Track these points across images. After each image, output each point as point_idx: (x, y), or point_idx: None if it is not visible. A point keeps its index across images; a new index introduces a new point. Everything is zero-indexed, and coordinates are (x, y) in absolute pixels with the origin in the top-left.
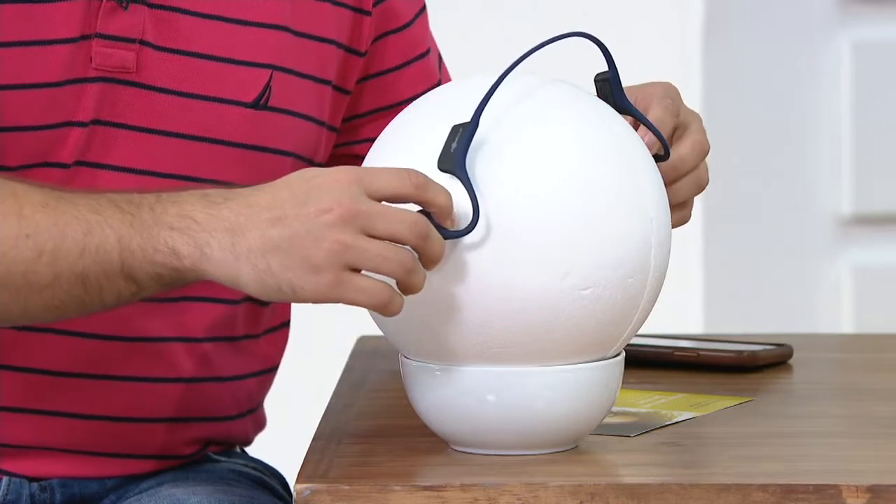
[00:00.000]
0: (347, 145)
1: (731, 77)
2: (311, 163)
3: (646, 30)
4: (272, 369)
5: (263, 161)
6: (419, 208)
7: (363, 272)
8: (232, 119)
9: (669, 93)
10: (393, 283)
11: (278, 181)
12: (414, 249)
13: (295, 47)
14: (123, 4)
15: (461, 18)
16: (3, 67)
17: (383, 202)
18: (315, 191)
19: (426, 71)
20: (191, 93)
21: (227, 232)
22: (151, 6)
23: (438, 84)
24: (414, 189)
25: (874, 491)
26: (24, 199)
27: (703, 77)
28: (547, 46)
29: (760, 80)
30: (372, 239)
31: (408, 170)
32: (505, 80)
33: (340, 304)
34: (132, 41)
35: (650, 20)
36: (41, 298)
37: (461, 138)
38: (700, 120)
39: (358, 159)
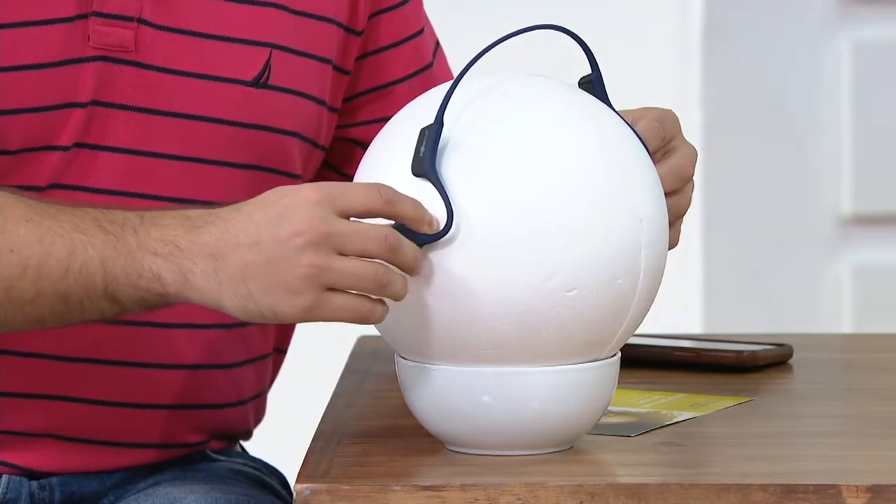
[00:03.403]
0: (345, 128)
1: (731, 77)
2: (314, 144)
3: (646, 30)
4: (268, 355)
5: (265, 140)
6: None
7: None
8: (232, 98)
9: (664, 117)
10: None
11: (254, 200)
12: (387, 262)
13: (293, 26)
14: None
15: (463, 18)
16: (1, 49)
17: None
18: (287, 212)
19: (418, 51)
20: (190, 72)
21: (208, 258)
22: None
23: (430, 66)
24: (383, 205)
25: (874, 491)
26: (8, 212)
27: (703, 77)
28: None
29: (760, 80)
30: (345, 258)
31: (377, 185)
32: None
33: None
34: (130, 20)
35: (650, 21)
36: (22, 313)
37: (428, 140)
38: (693, 151)
39: (354, 144)
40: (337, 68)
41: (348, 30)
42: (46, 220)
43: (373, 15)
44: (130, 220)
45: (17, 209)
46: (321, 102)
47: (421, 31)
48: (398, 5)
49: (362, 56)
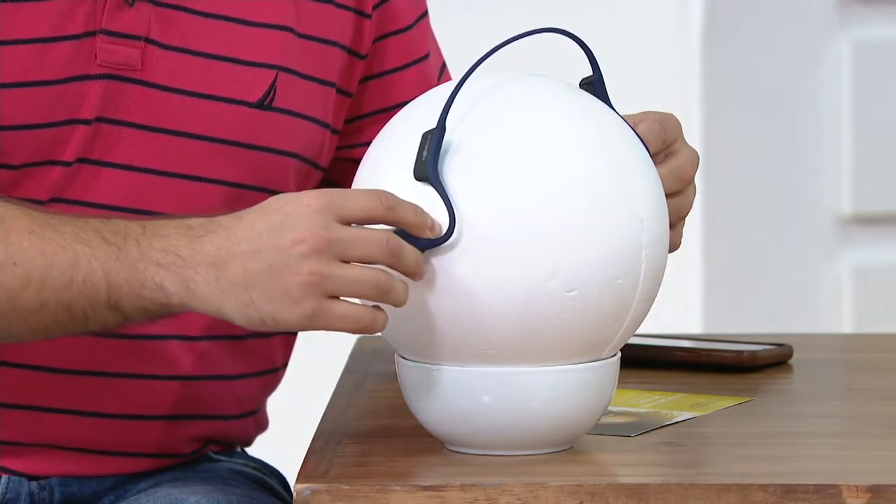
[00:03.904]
0: (347, 148)
1: (731, 77)
2: (314, 165)
3: (646, 30)
4: (277, 370)
5: (268, 162)
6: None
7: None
8: (236, 119)
9: (665, 120)
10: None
11: (256, 208)
12: (388, 266)
13: (299, 48)
14: (129, 1)
15: (463, 19)
16: (6, 65)
17: (354, 225)
18: (289, 219)
19: (424, 75)
20: (195, 92)
21: (210, 266)
22: (157, 4)
23: None
24: (384, 211)
25: (874, 491)
26: (11, 224)
27: (703, 77)
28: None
29: (760, 80)
30: (347, 265)
31: (378, 191)
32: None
33: None
34: (137, 38)
35: (650, 21)
36: (27, 324)
37: (430, 145)
38: (694, 153)
39: (356, 163)
40: (340, 91)
41: (352, 53)
42: (49, 232)
43: (378, 39)
44: (133, 230)
45: (20, 221)
46: (324, 125)
47: (427, 55)
48: (404, 30)
49: (367, 78)
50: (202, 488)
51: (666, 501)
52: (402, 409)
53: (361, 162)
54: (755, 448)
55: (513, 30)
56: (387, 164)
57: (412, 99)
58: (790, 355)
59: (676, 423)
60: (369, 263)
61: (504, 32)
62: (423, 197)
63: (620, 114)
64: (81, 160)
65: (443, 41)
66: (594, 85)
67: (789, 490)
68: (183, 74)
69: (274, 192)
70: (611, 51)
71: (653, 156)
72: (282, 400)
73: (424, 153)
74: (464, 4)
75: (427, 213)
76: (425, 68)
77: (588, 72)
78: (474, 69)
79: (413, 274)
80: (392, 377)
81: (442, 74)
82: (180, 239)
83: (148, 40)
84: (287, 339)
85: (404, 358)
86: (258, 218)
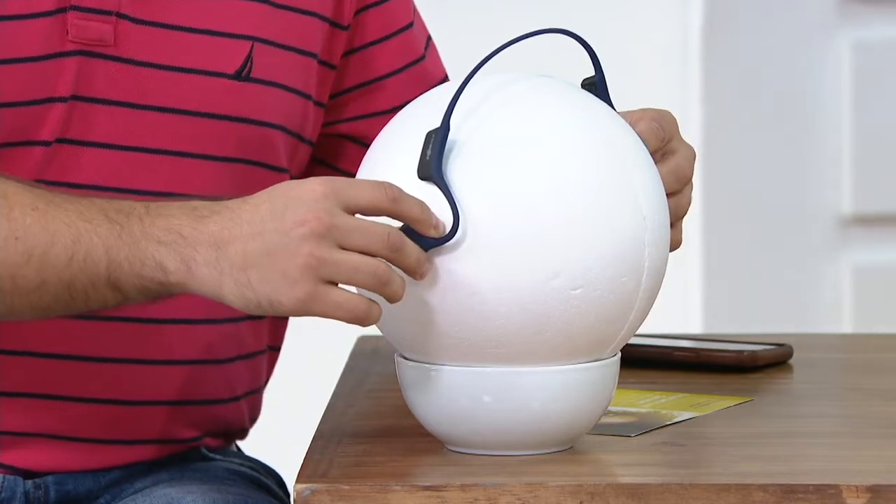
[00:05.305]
0: (333, 124)
1: (731, 77)
2: (300, 138)
3: (646, 30)
4: (263, 352)
5: (249, 133)
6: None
7: (341, 285)
8: (214, 91)
9: (662, 118)
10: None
11: (262, 192)
12: (389, 261)
13: (275, 19)
14: None
15: (465, 20)
16: None
17: (358, 215)
18: (292, 203)
19: (408, 45)
20: (170, 65)
21: (211, 246)
22: None
23: (422, 59)
24: (389, 203)
25: (874, 491)
26: (14, 200)
27: (703, 77)
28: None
29: (760, 80)
30: (346, 252)
31: (383, 183)
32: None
33: None
34: (108, 13)
35: (650, 20)
36: (27, 300)
37: (434, 144)
38: (691, 151)
39: (343, 139)
40: (322, 62)
41: (334, 24)
42: (52, 209)
43: (359, 11)
44: (136, 209)
45: (24, 197)
46: (306, 96)
47: (410, 24)
48: (383, 0)
49: (349, 52)
50: (198, 488)
51: (666, 501)
52: (402, 409)
53: (363, 160)
54: (755, 448)
55: (515, 30)
56: (390, 162)
57: (394, 70)
58: (790, 355)
59: (676, 423)
60: (369, 255)
61: (506, 33)
62: (427, 196)
63: (619, 112)
64: (60, 140)
65: (445, 42)
66: (596, 85)
67: (789, 490)
68: (156, 48)
69: (264, 166)
70: (611, 50)
71: (652, 154)
72: (282, 400)
73: (428, 152)
74: (466, 5)
75: (431, 211)
76: (408, 38)
77: (589, 72)
78: (478, 69)
79: (414, 272)
80: (392, 377)
81: (428, 46)
82: (183, 218)
83: (119, 15)
84: (275, 321)
85: (405, 358)
86: (263, 201)
